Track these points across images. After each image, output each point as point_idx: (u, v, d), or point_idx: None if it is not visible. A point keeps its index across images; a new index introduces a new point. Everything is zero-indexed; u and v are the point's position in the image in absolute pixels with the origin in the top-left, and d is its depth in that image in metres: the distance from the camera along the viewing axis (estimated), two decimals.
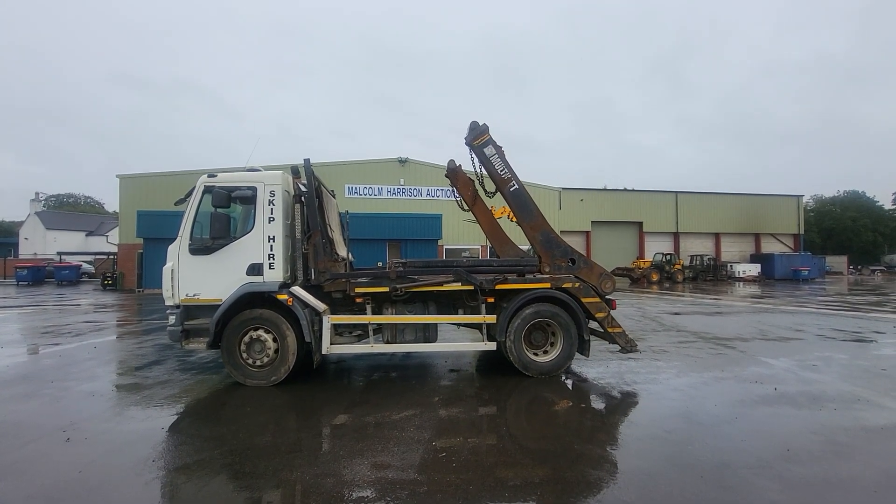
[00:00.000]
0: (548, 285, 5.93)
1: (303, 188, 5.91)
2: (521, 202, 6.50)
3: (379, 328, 5.77)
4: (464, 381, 5.88)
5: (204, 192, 5.56)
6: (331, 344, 5.45)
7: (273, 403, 4.82)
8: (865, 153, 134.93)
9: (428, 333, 5.89)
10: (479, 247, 26.70)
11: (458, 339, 7.72)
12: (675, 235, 37.71)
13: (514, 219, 22.55)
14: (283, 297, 5.31)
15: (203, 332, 5.34)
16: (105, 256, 33.33)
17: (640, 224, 37.13)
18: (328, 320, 5.45)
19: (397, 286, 5.66)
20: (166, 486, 2.99)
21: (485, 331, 5.82)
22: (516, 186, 6.49)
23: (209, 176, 5.67)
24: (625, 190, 38.76)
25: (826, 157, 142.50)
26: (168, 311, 5.47)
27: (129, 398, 4.99)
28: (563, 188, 30.99)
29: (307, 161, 6.01)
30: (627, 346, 6.06)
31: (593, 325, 6.06)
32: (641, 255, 35.77)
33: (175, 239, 5.52)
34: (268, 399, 4.94)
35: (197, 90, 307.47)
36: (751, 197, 40.37)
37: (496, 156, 6.48)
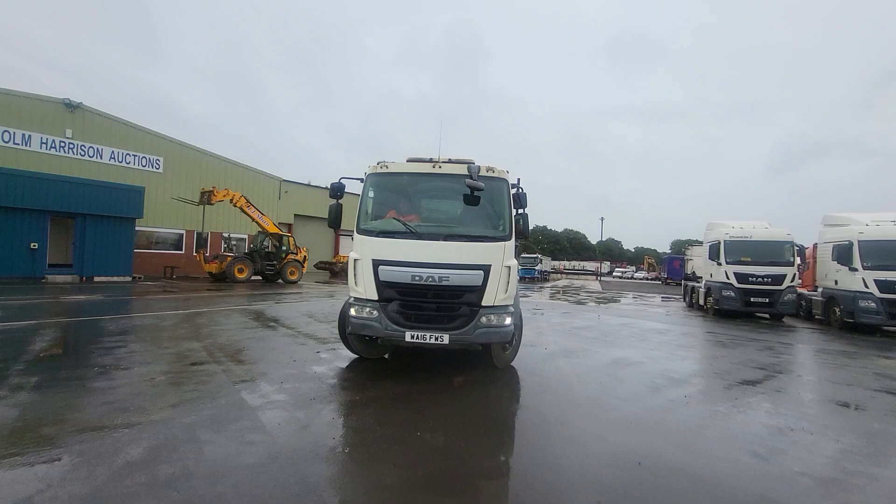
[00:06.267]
0: None
1: None
2: None
3: None
4: None
5: None
6: None
7: None
8: None
9: None
10: (184, 231, 23.97)
11: None
12: None
13: (238, 204, 22.86)
14: None
15: None
16: None
17: None
18: None
19: None
20: None
21: None
22: None
23: None
24: (326, 188, 41.85)
25: None
26: None
27: None
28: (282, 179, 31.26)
29: None
30: None
31: None
32: (337, 250, 40.15)
33: None
34: None
35: None
36: None
37: None
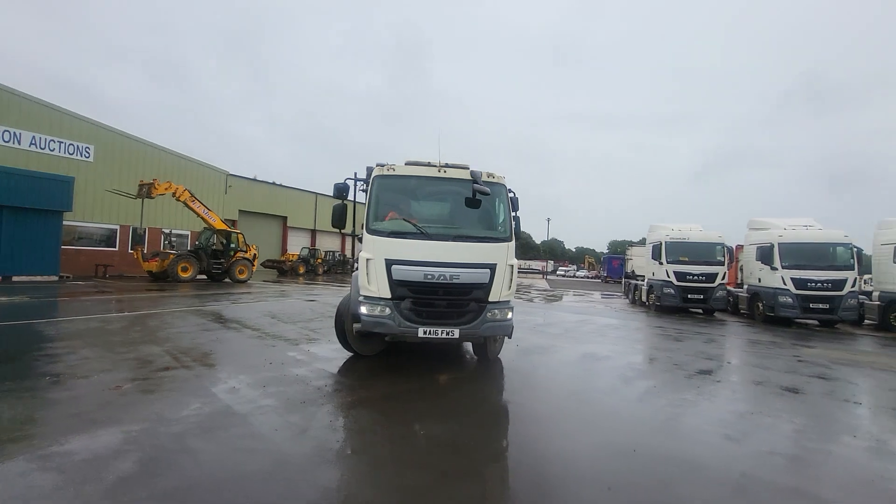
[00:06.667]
0: None
1: None
2: None
3: None
4: None
5: None
6: None
7: None
8: None
9: None
10: (118, 226, 22.04)
11: None
12: (313, 232, 42.76)
13: (182, 199, 21.64)
14: None
15: None
16: None
17: (285, 218, 39.90)
18: None
19: None
20: None
21: None
22: None
23: None
24: (273, 184, 40.36)
25: None
26: None
27: None
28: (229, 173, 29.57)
29: None
30: None
31: None
32: (285, 249, 38.65)
33: None
34: None
35: None
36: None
37: None
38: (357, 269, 6.65)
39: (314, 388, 5.41)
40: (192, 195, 20.27)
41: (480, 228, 6.48)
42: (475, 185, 6.08)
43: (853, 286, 14.60)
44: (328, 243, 44.23)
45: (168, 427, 4.06)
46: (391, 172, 6.43)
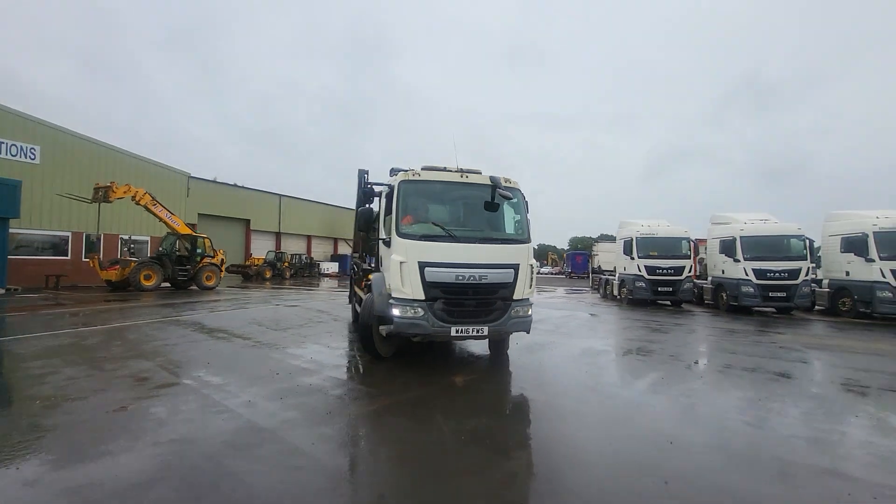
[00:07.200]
0: None
1: None
2: None
3: None
4: None
5: None
6: None
7: None
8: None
9: None
10: (70, 233, 20.43)
11: None
12: (278, 235, 41.39)
13: (142, 202, 20.62)
14: None
15: None
16: None
17: (248, 221, 38.39)
18: None
19: None
20: None
21: None
22: None
23: None
24: (235, 185, 38.72)
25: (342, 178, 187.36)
26: None
27: None
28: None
29: None
30: None
31: None
32: (248, 253, 37.16)
33: None
34: None
35: None
36: (331, 207, 49.70)
37: None
38: (368, 272, 6.63)
39: (334, 398, 5.24)
40: (154, 198, 19.10)
41: (503, 231, 6.88)
42: (499, 190, 6.46)
43: (806, 275, 15.75)
44: (294, 246, 43.03)
45: (196, 447, 3.81)
46: (417, 178, 6.61)
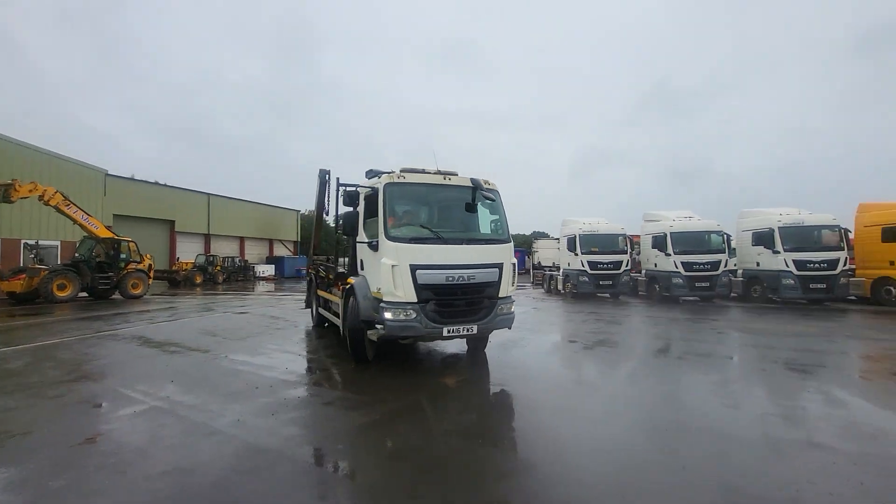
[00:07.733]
0: None
1: None
2: None
3: None
4: None
5: None
6: None
7: None
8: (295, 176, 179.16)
9: None
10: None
11: None
12: (207, 237, 38.45)
13: (53, 203, 18.69)
14: None
15: None
16: None
17: (173, 223, 35.26)
18: None
19: None
20: None
21: None
22: None
23: None
24: (156, 184, 35.37)
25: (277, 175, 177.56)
26: None
27: None
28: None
29: None
30: None
31: None
32: (174, 257, 34.12)
33: None
34: None
35: None
36: (265, 207, 47.15)
37: None
38: (343, 275, 6.37)
39: (331, 410, 5.01)
40: (66, 198, 16.92)
41: (485, 232, 7.07)
42: (482, 192, 6.65)
43: (725, 266, 17.56)
44: (225, 248, 40.23)
45: (196, 476, 3.45)
46: (402, 180, 6.54)
